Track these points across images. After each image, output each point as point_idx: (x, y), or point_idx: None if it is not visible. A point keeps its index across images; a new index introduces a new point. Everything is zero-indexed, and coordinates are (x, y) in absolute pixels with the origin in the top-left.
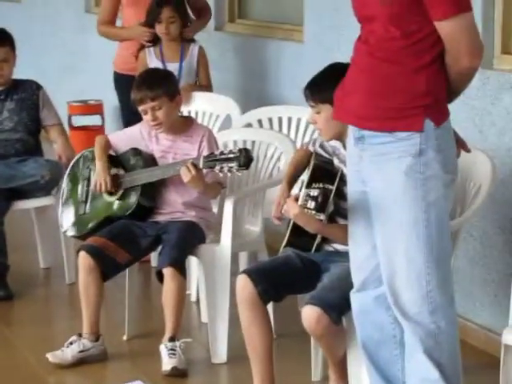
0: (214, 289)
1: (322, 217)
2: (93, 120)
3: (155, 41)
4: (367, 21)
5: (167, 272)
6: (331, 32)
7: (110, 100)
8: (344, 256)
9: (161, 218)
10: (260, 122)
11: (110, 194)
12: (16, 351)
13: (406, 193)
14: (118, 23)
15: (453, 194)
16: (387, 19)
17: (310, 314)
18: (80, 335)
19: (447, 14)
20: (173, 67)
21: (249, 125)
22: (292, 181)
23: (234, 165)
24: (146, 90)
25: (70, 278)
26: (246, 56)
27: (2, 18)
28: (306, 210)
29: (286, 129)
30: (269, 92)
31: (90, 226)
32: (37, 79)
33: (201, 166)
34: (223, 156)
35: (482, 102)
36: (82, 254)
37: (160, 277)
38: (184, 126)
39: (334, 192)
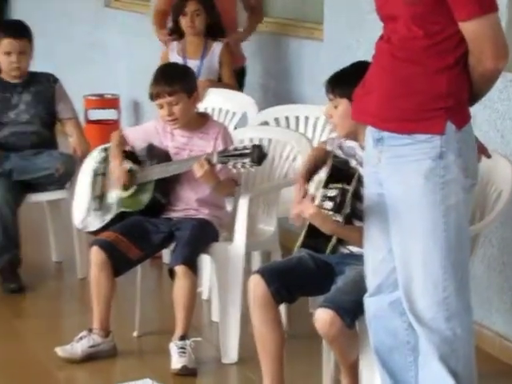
0: (226, 288)
1: (339, 218)
2: (109, 114)
3: (180, 36)
4: (390, 20)
5: (179, 270)
6: (350, 31)
7: (126, 94)
8: (359, 259)
9: (174, 215)
10: (277, 120)
11: (124, 189)
12: (26, 344)
13: (424, 196)
14: None
15: (472, 199)
16: (410, 19)
17: (323, 317)
18: (90, 330)
19: (471, 14)
20: (193, 64)
21: (265, 123)
22: (308, 178)
23: (247, 160)
24: (164, 84)
25: (82, 273)
26: (265, 53)
27: (20, 10)
28: (322, 210)
29: (302, 128)
30: (287, 90)
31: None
32: (53, 72)
33: (214, 161)
34: (236, 152)
35: (505, 105)
36: (95, 248)
37: (172, 274)
38: (200, 122)
39: (351, 193)
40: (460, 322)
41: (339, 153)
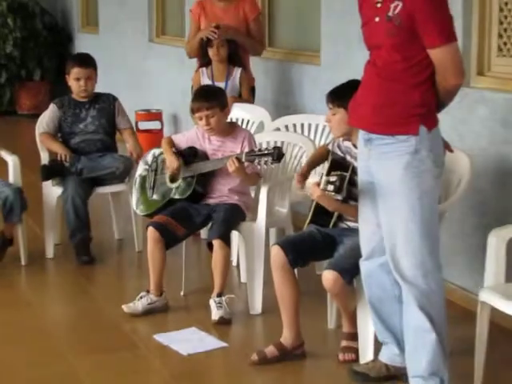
0: (252, 256)
1: (340, 197)
2: (154, 125)
3: (208, 63)
4: (375, 48)
5: (216, 243)
6: (343, 57)
7: (167, 109)
8: (355, 232)
9: (211, 201)
10: (287, 127)
11: (172, 181)
12: (97, 304)
13: (404, 183)
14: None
15: (440, 183)
16: (391, 47)
17: (328, 277)
18: (148, 291)
19: (437, 43)
20: (220, 85)
21: (278, 129)
22: (311, 165)
23: (269, 159)
24: (203, 101)
25: (139, 247)
26: (274, 76)
27: (86, 45)
28: (326, 192)
29: (306, 132)
30: (293, 104)
31: (157, 206)
32: (112, 93)
33: (243, 159)
34: (260, 152)
35: (462, 112)
36: (150, 228)
37: (210, 246)
38: (230, 129)
39: (348, 178)
40: (433, 278)
41: (337, 151)
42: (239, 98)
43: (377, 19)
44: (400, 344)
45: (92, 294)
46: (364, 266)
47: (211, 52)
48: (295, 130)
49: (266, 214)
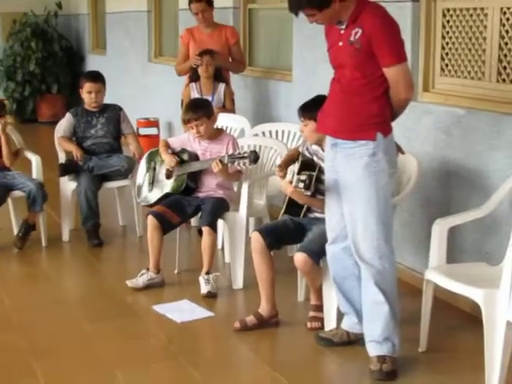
0: (235, 241)
1: (308, 192)
2: (152, 131)
3: (197, 79)
4: (340, 67)
5: (205, 230)
6: (311, 75)
7: (163, 117)
8: (322, 221)
9: (200, 195)
10: (264, 133)
11: (168, 178)
12: (105, 279)
13: (363, 180)
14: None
15: (394, 181)
16: (353, 66)
17: (299, 258)
18: (148, 269)
19: (391, 63)
20: (207, 98)
21: (256, 135)
22: (285, 164)
23: (247, 161)
24: (192, 113)
25: (140, 232)
26: (253, 90)
27: (96, 64)
28: (297, 188)
29: (280, 137)
30: (269, 114)
31: (155, 198)
32: (118, 103)
33: (225, 161)
34: (240, 155)
35: (411, 122)
36: (150, 217)
37: (200, 232)
38: (217, 134)
39: (315, 177)
40: (387, 260)
41: (306, 153)
42: (224, 109)
43: (340, 43)
44: (359, 314)
45: (101, 271)
46: (329, 249)
47: (201, 69)
48: (271, 136)
49: (247, 206)
